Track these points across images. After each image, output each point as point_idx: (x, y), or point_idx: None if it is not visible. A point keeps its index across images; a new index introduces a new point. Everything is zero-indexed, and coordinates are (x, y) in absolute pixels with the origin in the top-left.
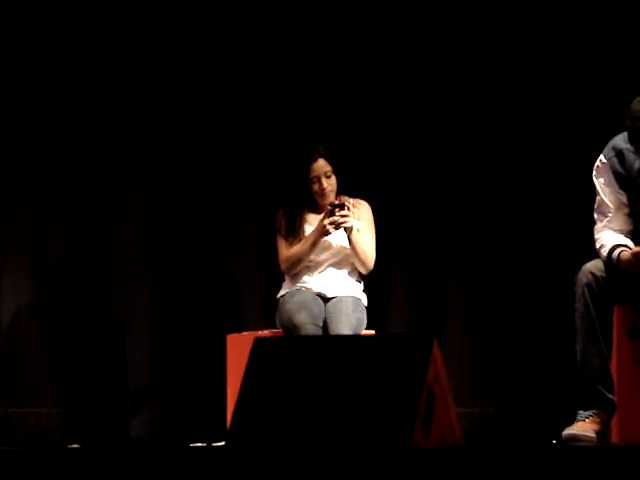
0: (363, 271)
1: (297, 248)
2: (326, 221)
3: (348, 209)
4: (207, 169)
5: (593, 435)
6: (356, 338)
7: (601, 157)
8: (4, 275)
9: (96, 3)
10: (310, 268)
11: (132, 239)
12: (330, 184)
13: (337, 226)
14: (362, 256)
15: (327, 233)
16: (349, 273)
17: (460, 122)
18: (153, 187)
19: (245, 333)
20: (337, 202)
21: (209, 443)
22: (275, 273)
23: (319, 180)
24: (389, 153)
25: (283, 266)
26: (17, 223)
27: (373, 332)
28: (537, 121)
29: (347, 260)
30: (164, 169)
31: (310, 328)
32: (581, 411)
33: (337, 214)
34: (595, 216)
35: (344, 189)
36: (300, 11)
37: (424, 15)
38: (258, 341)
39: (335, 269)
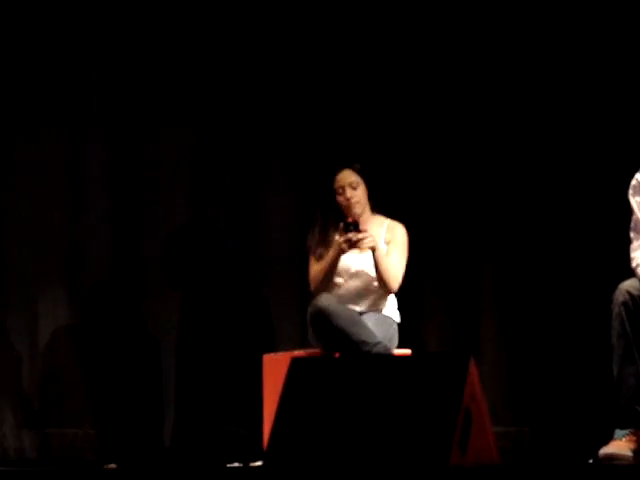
0: (385, 292)
1: (320, 266)
2: (341, 239)
3: (363, 231)
4: (242, 184)
5: (630, 454)
6: (392, 358)
7: (637, 176)
8: (40, 298)
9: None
10: (338, 293)
11: (165, 256)
12: (356, 195)
13: (352, 245)
14: (385, 275)
15: (343, 251)
16: (375, 301)
17: (496, 142)
18: (185, 203)
19: (281, 353)
20: (350, 220)
21: (246, 463)
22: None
23: (344, 191)
24: (425, 172)
25: (311, 286)
26: (53, 247)
27: (409, 351)
28: (572, 143)
29: (373, 288)
30: (198, 187)
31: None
32: (618, 430)
33: (351, 234)
34: (631, 235)
35: (382, 209)
36: (327, 20)
37: (450, 27)
38: (295, 361)
39: (359, 299)
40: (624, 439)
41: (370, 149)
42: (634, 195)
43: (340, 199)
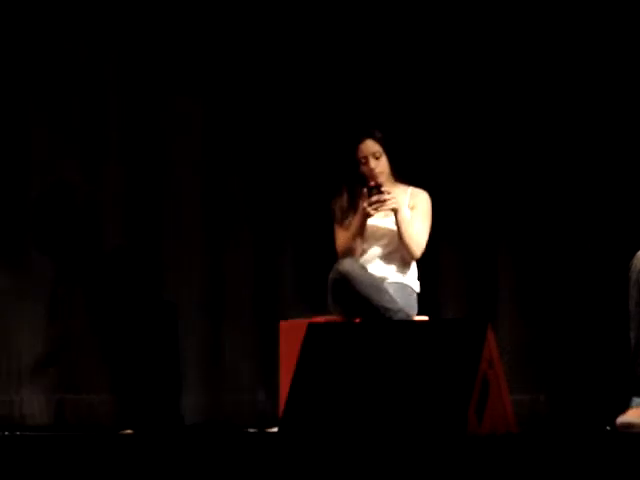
0: (409, 258)
1: (347, 233)
2: (365, 203)
3: (386, 192)
4: (261, 157)
5: None
6: (410, 323)
7: None
8: (56, 263)
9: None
10: (363, 258)
11: (187, 224)
12: (379, 165)
13: (376, 208)
14: (408, 241)
15: (369, 215)
16: (398, 267)
17: (517, 117)
18: (205, 171)
19: (298, 319)
20: (373, 184)
21: (263, 429)
22: (331, 259)
23: (367, 161)
24: (445, 141)
25: (339, 253)
26: (71, 207)
27: (426, 318)
28: (592, 118)
29: (398, 252)
30: (215, 158)
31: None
32: (635, 398)
33: (375, 197)
34: None
35: (405, 177)
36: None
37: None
38: (311, 327)
39: (384, 263)
40: None
41: (391, 119)
42: None
43: (364, 168)
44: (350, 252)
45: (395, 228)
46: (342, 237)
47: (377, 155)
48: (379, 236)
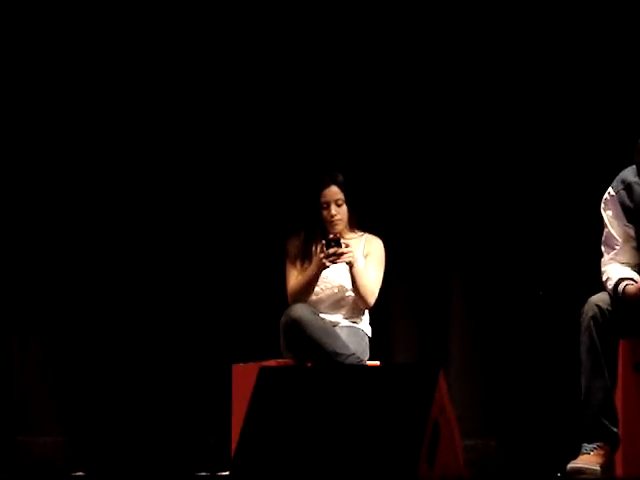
0: (362, 306)
1: (300, 279)
2: (322, 255)
3: (345, 246)
4: (217, 194)
5: (597, 468)
6: (361, 368)
7: (609, 190)
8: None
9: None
10: (314, 302)
11: (141, 266)
12: (340, 212)
13: (333, 260)
14: (362, 291)
15: (324, 267)
16: (350, 311)
17: (461, 152)
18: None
19: (251, 363)
20: (332, 237)
21: (214, 472)
22: (282, 301)
23: (329, 207)
24: (394, 185)
25: (289, 296)
26: None
27: (378, 363)
28: (546, 158)
29: (347, 302)
30: (169, 196)
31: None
32: (585, 444)
33: (332, 250)
34: (602, 248)
35: (360, 223)
36: (315, 29)
37: (449, 32)
38: (263, 370)
39: (336, 308)
40: (592, 453)
41: (348, 162)
42: (606, 209)
43: (324, 213)
44: (300, 298)
45: (346, 278)
46: (293, 278)
47: (339, 203)
48: (328, 283)
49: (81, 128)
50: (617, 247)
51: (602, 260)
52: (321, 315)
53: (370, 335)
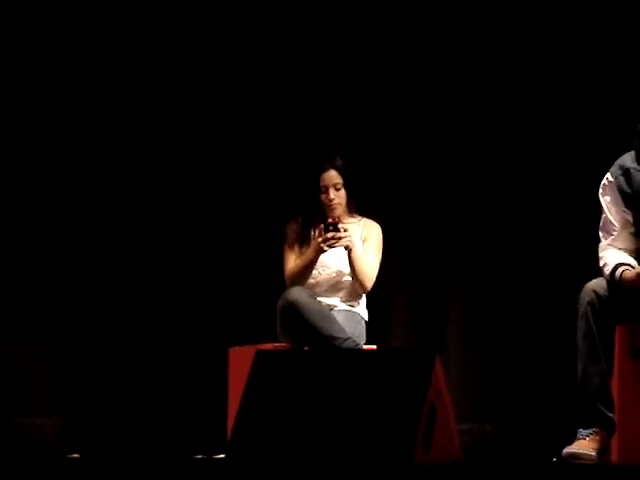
0: (360, 291)
1: (298, 263)
2: (319, 239)
3: (343, 230)
4: (215, 178)
5: (593, 454)
6: (358, 352)
7: (608, 175)
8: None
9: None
10: (311, 285)
11: (139, 249)
12: (338, 197)
13: (331, 245)
14: (360, 276)
15: (322, 251)
16: (347, 295)
17: (462, 143)
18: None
19: (247, 346)
20: (330, 221)
21: (210, 455)
22: (279, 285)
23: (327, 191)
24: (396, 172)
25: (287, 279)
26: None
27: (374, 347)
28: (544, 143)
29: (348, 281)
30: (167, 180)
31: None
32: (581, 429)
33: (330, 234)
34: (600, 234)
35: (358, 208)
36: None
37: (451, 34)
38: (259, 354)
39: (333, 291)
40: (588, 438)
41: (348, 147)
42: (604, 195)
43: (322, 197)
44: (298, 281)
45: (344, 261)
46: (291, 262)
47: (338, 187)
48: (326, 266)
49: (81, 127)
50: (615, 233)
51: (599, 246)
52: (319, 298)
53: (367, 319)
